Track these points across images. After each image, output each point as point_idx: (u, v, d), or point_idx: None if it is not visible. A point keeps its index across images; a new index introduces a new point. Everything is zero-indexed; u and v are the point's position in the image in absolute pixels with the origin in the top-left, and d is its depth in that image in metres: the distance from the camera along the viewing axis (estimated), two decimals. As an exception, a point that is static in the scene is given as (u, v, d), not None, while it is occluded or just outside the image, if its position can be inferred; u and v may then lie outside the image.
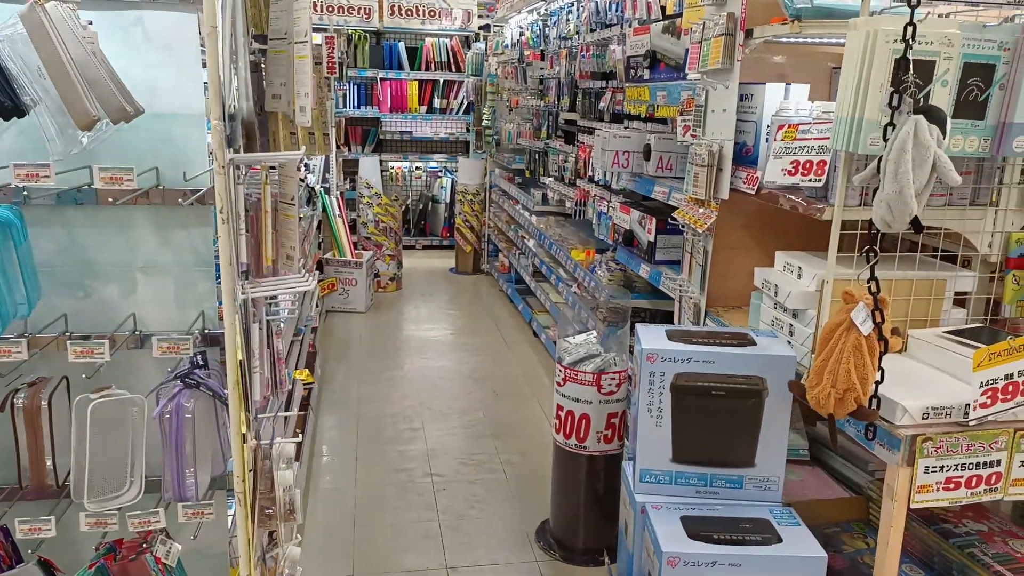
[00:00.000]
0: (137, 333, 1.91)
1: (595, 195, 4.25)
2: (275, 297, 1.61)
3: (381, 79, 8.59)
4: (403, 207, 8.85)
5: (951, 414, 1.67)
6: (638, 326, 2.09)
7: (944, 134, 1.58)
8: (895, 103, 1.60)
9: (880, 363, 1.66)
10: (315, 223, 5.43)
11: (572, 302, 4.37)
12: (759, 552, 1.71)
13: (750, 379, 1.88)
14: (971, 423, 1.64)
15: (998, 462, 1.69)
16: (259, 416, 1.50)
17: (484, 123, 7.56)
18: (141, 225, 1.95)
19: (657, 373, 1.90)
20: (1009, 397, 1.65)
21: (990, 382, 1.63)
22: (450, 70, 8.66)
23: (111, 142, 1.86)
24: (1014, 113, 1.79)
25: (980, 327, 1.99)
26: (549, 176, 5.44)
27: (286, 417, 3.21)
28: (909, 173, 1.54)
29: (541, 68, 5.89)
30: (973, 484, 1.69)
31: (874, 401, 1.66)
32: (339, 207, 6.52)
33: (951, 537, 1.91)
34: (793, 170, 2.10)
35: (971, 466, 1.68)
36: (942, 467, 1.66)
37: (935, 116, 1.59)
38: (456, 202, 7.81)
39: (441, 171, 8.95)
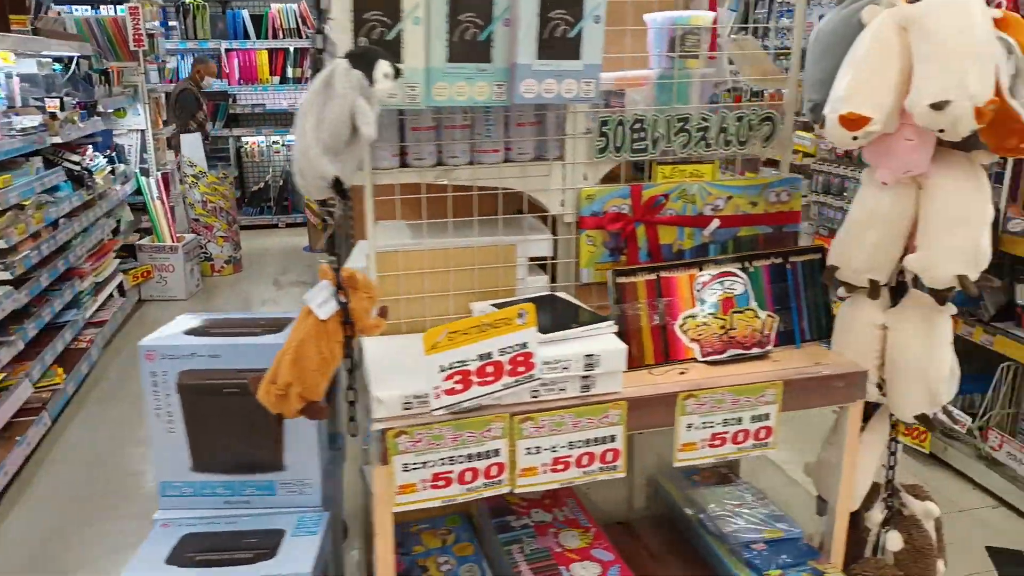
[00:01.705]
0: None
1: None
2: None
3: (227, 50, 8.13)
4: (263, 184, 8.49)
5: (441, 402, 1.46)
6: (170, 323, 1.83)
7: (371, 80, 1.34)
8: (321, 45, 1.36)
9: (347, 350, 1.44)
10: (106, 208, 5.08)
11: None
12: (237, 573, 1.50)
13: (262, 373, 1.65)
14: (435, 412, 1.43)
15: (496, 451, 1.49)
16: None
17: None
18: None
19: (159, 372, 1.66)
20: (492, 379, 1.45)
21: (457, 364, 1.41)
22: (300, 37, 8.23)
23: None
24: (518, 53, 1.56)
25: (543, 296, 1.79)
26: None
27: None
28: (310, 131, 1.30)
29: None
30: (468, 479, 1.49)
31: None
32: (159, 189, 6.14)
33: (506, 531, 1.73)
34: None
35: (462, 459, 1.48)
36: (425, 463, 1.46)
37: (365, 59, 1.35)
38: (306, 176, 7.44)
39: (302, 144, 8.55)
